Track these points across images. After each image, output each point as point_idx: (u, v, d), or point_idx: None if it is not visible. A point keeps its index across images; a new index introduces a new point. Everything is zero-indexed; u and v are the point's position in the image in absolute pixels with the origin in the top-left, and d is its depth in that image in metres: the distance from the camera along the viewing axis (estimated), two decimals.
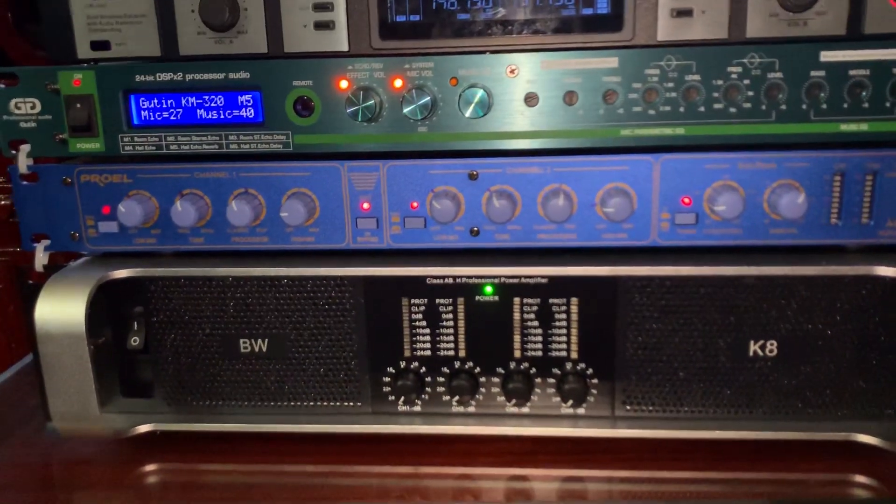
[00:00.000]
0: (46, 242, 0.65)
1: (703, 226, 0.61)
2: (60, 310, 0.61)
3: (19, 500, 0.63)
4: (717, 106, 0.59)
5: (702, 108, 0.59)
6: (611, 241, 0.62)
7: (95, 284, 0.62)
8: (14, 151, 0.64)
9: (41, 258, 0.65)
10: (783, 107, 0.58)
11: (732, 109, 0.59)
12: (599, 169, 0.60)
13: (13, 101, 0.63)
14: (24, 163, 0.63)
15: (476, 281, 0.64)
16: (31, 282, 0.65)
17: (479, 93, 0.59)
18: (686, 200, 0.60)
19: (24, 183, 0.64)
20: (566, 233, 0.62)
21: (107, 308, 0.65)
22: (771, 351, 0.63)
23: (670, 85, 0.59)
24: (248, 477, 0.65)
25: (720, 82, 0.58)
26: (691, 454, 0.65)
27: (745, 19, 0.57)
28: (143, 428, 0.66)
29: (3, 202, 1.43)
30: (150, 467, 0.66)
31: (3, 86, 0.63)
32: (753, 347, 0.63)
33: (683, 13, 0.58)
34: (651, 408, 0.65)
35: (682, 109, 0.59)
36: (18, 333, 1.50)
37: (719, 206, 0.59)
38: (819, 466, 0.63)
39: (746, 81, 0.58)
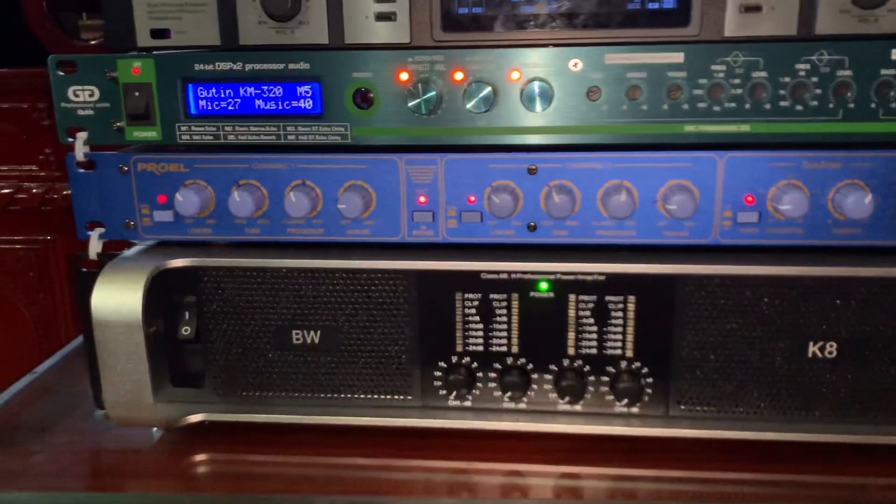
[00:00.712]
0: (101, 230, 0.65)
1: (766, 225, 0.60)
2: (117, 298, 0.61)
3: (72, 486, 0.63)
4: (783, 103, 0.58)
5: (768, 106, 0.58)
6: (672, 239, 0.61)
7: (152, 273, 0.62)
8: (71, 139, 0.64)
9: (95, 246, 0.65)
10: (851, 105, 0.57)
11: (799, 107, 0.58)
12: (662, 165, 0.60)
13: (72, 89, 0.63)
14: (80, 150, 0.64)
15: (531, 277, 0.63)
16: (84, 269, 0.65)
17: (541, 86, 0.59)
18: (749, 199, 0.60)
19: (81, 171, 0.64)
20: (626, 229, 0.61)
21: (159, 297, 0.65)
22: (830, 353, 0.62)
23: (736, 81, 0.58)
24: (298, 469, 0.65)
25: (787, 79, 0.57)
26: (746, 455, 0.64)
27: (814, 15, 0.57)
28: (195, 418, 0.66)
29: (34, 190, 1.44)
30: (200, 457, 0.66)
31: (62, 73, 0.63)
32: (812, 349, 0.62)
33: (752, 9, 0.57)
34: (706, 408, 0.64)
35: (747, 106, 0.58)
36: (47, 321, 1.52)
37: (784, 206, 0.58)
38: (878, 471, 0.62)
39: (814, 79, 0.57)
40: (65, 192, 1.42)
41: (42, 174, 1.43)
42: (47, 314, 1.52)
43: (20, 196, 1.42)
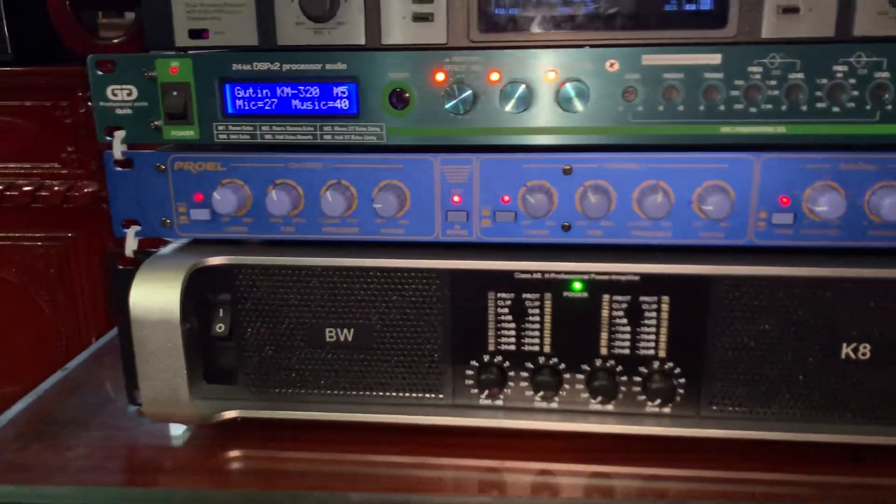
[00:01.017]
0: (137, 228, 0.66)
1: (801, 226, 0.60)
2: (155, 295, 0.62)
3: (109, 481, 0.63)
4: (820, 105, 0.58)
5: (804, 107, 0.58)
6: (707, 239, 0.61)
7: (189, 270, 0.63)
8: (109, 137, 0.64)
9: (132, 243, 0.66)
10: (889, 107, 0.57)
11: (836, 109, 0.58)
12: (698, 166, 0.60)
13: (110, 88, 0.63)
14: (118, 149, 0.64)
15: (565, 277, 0.63)
16: (120, 267, 0.66)
17: (578, 87, 0.59)
18: (784, 200, 0.60)
19: (118, 169, 0.65)
20: (661, 230, 0.61)
21: (194, 295, 0.66)
22: (864, 354, 0.62)
23: (773, 83, 0.58)
24: (330, 465, 0.66)
25: (824, 81, 0.57)
26: (777, 456, 0.64)
27: (853, 17, 0.57)
28: (229, 414, 0.67)
29: (56, 188, 1.45)
30: (233, 453, 0.67)
31: (101, 73, 0.63)
32: (846, 350, 0.62)
33: (789, 10, 0.57)
34: (738, 408, 0.64)
35: (784, 108, 0.58)
36: (67, 318, 1.53)
37: (820, 207, 0.58)
38: None
39: (852, 81, 0.57)
40: (86, 190, 1.43)
41: (64, 172, 1.44)
42: (67, 310, 1.53)
43: (42, 193, 1.43)
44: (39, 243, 1.50)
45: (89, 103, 1.38)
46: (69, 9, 1.40)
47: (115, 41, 1.42)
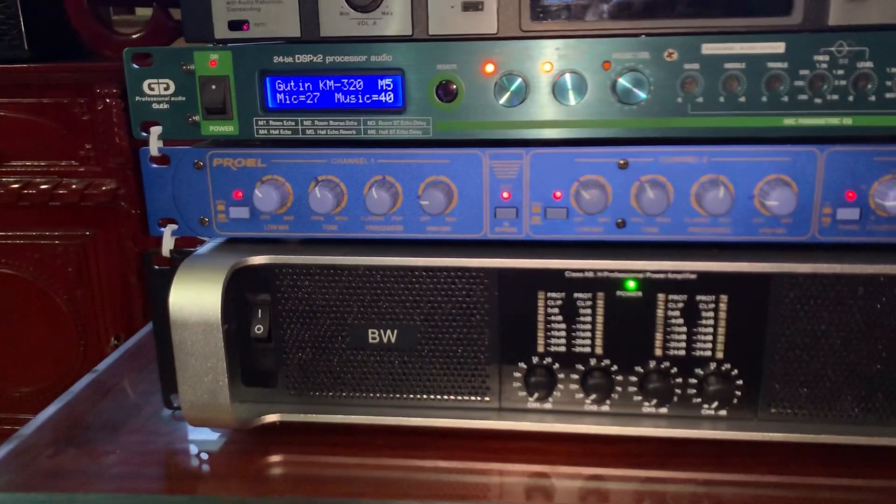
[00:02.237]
0: (174, 227, 0.64)
1: (867, 222, 0.58)
2: (196, 296, 0.60)
3: (148, 488, 0.62)
4: (889, 95, 0.55)
5: (872, 98, 0.56)
6: (768, 236, 0.59)
7: (230, 270, 0.61)
8: (145, 133, 0.62)
9: (168, 242, 0.64)
10: None
11: None
12: (760, 160, 0.57)
13: (146, 82, 0.61)
14: (155, 145, 0.62)
15: (618, 275, 0.61)
16: (157, 266, 0.64)
17: (634, 77, 0.57)
18: (850, 195, 0.57)
19: (154, 166, 0.63)
20: (720, 226, 0.59)
21: (233, 295, 0.64)
22: None
23: (840, 72, 0.55)
24: (373, 471, 0.64)
25: (894, 70, 0.55)
26: (839, 460, 0.62)
27: None
28: (270, 418, 0.65)
29: (74, 186, 1.43)
30: (274, 458, 0.65)
31: (137, 66, 0.61)
32: None
33: None
34: (798, 410, 0.62)
35: (850, 98, 0.56)
36: (85, 316, 1.52)
37: (889, 202, 0.56)
38: None
39: None
40: (104, 188, 1.42)
41: (82, 170, 1.42)
42: (86, 309, 1.52)
43: (60, 192, 1.42)
44: (58, 242, 1.49)
45: (108, 100, 1.37)
46: (86, 5, 1.38)
47: (135, 36, 1.40)
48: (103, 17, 1.48)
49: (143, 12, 1.63)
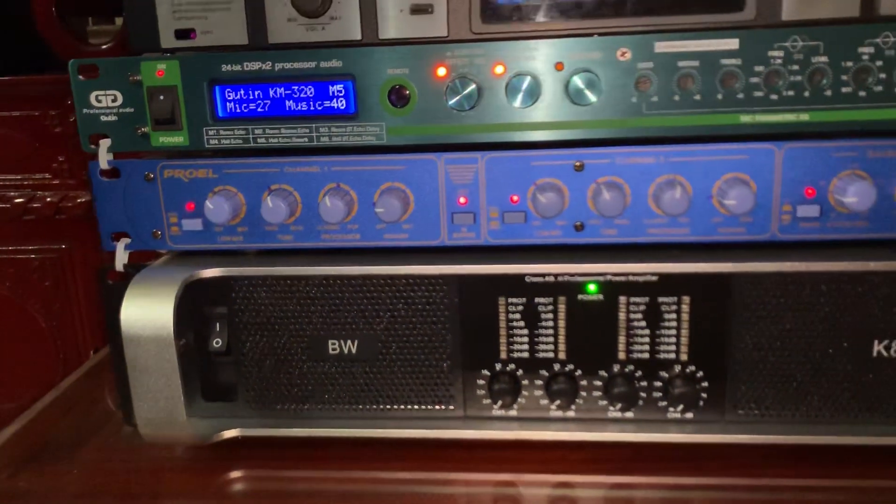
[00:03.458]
0: (127, 241, 0.63)
1: (828, 219, 0.57)
2: (147, 311, 0.59)
3: None
4: (845, 90, 0.55)
5: (828, 93, 0.55)
6: (728, 235, 0.58)
7: (183, 284, 0.59)
8: (94, 146, 0.61)
9: (122, 257, 0.63)
10: None
11: (862, 93, 0.55)
12: (717, 158, 0.56)
13: (94, 94, 0.60)
14: (104, 158, 0.61)
15: (579, 279, 0.60)
16: (111, 282, 0.63)
17: (588, 78, 0.56)
18: (810, 192, 0.56)
19: (104, 179, 0.62)
20: (679, 227, 0.58)
21: (189, 309, 0.63)
22: None
23: (795, 68, 0.55)
24: (337, 484, 0.63)
25: (849, 64, 0.54)
26: (807, 461, 0.61)
27: None
28: (229, 433, 0.64)
29: (48, 199, 1.42)
30: (235, 474, 0.64)
31: (83, 78, 0.60)
32: (877, 347, 0.59)
33: None
34: (765, 412, 0.61)
35: (807, 94, 0.55)
36: (63, 331, 1.50)
37: (848, 198, 0.55)
38: None
39: (879, 63, 0.54)
40: (79, 201, 1.40)
41: (56, 182, 1.41)
42: (63, 324, 1.50)
43: (34, 205, 1.40)
44: (33, 256, 1.47)
45: None
46: (56, 15, 1.37)
47: (104, 47, 1.38)
48: (76, 28, 1.46)
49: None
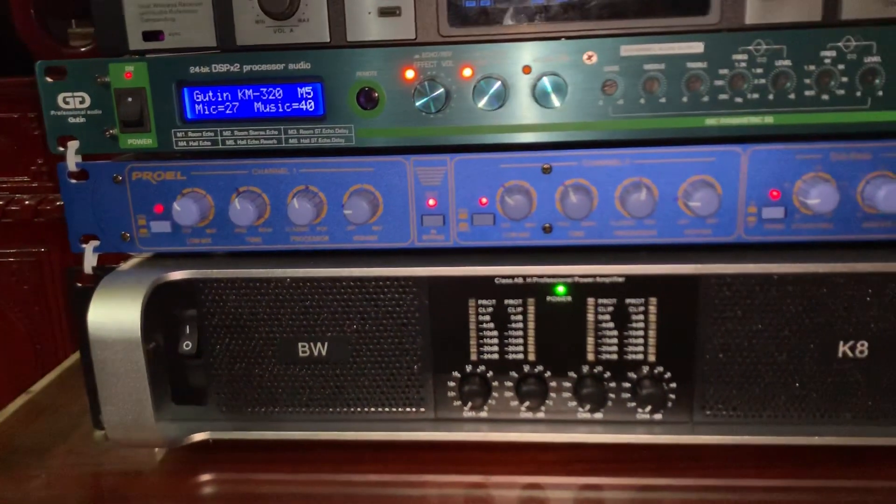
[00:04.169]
0: (96, 243, 0.63)
1: (792, 220, 0.57)
2: (114, 314, 0.58)
3: None
4: (808, 93, 0.55)
5: (792, 96, 0.55)
6: (694, 237, 0.58)
7: (150, 286, 0.59)
8: (62, 148, 0.61)
9: (91, 260, 0.62)
10: (880, 93, 0.55)
11: (825, 96, 0.55)
12: (683, 161, 0.57)
13: (61, 96, 0.60)
14: (72, 160, 0.61)
15: (548, 281, 0.60)
16: (79, 284, 0.63)
17: (554, 81, 0.56)
18: (774, 193, 0.57)
19: (73, 181, 0.62)
20: (646, 229, 0.58)
21: (158, 312, 0.62)
22: (861, 352, 0.59)
23: (759, 71, 0.55)
24: (308, 487, 0.62)
25: (812, 67, 0.55)
26: (775, 461, 0.62)
27: (840, 0, 0.54)
28: (199, 436, 0.63)
29: (26, 202, 1.41)
30: (205, 477, 0.63)
31: (50, 80, 0.60)
32: (843, 349, 0.59)
33: None
34: (733, 413, 0.61)
35: (770, 97, 0.56)
36: (42, 334, 1.49)
37: (811, 200, 0.55)
38: None
39: (841, 66, 0.55)
40: (58, 203, 1.39)
41: (34, 185, 1.40)
42: (43, 327, 1.49)
43: (12, 208, 1.39)
44: (12, 259, 1.46)
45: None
46: (34, 17, 1.36)
47: (84, 49, 1.38)
48: (57, 30, 1.46)
49: None
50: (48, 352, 1.49)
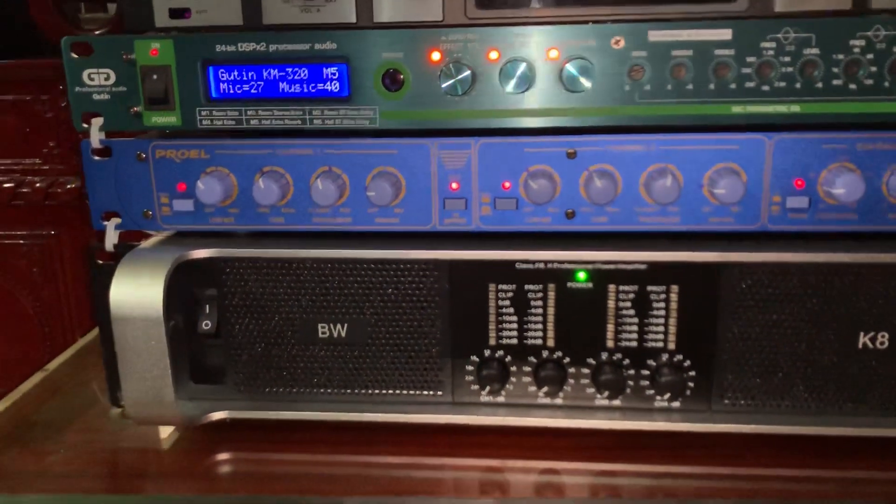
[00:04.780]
0: (117, 221, 0.63)
1: (816, 210, 0.57)
2: (137, 291, 0.58)
3: (92, 487, 0.60)
4: (836, 82, 0.55)
5: (819, 84, 0.55)
6: (717, 225, 0.58)
7: (173, 264, 0.59)
8: (86, 125, 0.61)
9: (112, 237, 0.62)
10: None
11: (852, 86, 0.55)
12: (708, 148, 0.57)
13: (86, 72, 0.60)
14: (96, 137, 0.61)
15: (569, 266, 0.60)
16: (100, 262, 0.63)
17: (581, 65, 0.56)
18: (799, 183, 0.57)
19: (96, 158, 0.62)
20: (669, 216, 0.58)
21: (178, 290, 0.63)
22: (882, 343, 0.59)
23: (787, 59, 0.55)
24: (324, 468, 0.63)
25: (841, 56, 0.55)
26: (793, 451, 0.62)
27: None
28: (217, 415, 0.64)
29: (37, 184, 1.41)
30: (222, 456, 0.64)
31: (76, 56, 0.60)
32: (863, 339, 0.59)
33: None
34: (751, 402, 0.62)
35: (798, 85, 0.55)
36: (51, 317, 1.49)
37: (836, 189, 0.55)
38: None
39: (870, 56, 0.54)
40: (69, 186, 1.39)
41: (45, 168, 1.40)
42: (52, 310, 1.49)
43: (23, 190, 1.39)
44: (22, 242, 1.46)
45: None
46: (50, 1, 1.36)
47: (97, 33, 1.37)
48: (69, 14, 1.46)
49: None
50: (56, 334, 1.50)
